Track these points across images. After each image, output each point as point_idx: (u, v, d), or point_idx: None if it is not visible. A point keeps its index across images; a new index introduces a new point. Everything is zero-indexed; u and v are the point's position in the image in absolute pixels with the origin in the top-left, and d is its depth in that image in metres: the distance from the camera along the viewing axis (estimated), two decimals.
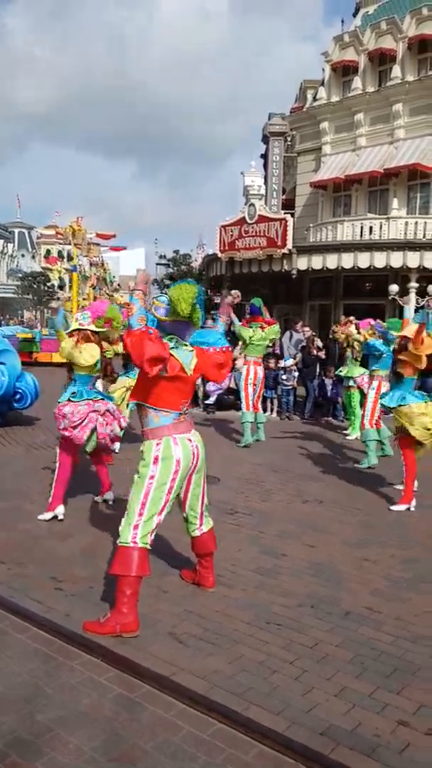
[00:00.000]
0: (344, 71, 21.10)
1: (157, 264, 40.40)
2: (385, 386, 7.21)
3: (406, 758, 2.47)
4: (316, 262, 15.94)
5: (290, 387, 11.80)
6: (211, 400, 11.77)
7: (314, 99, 21.77)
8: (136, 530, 3.36)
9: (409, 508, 5.90)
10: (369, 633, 3.48)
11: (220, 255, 17.33)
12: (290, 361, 11.74)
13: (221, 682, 2.92)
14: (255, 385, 8.88)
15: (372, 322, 7.63)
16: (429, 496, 6.29)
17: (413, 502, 5.93)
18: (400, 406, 5.83)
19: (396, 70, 19.36)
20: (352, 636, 3.44)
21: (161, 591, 3.90)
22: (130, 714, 2.65)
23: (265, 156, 28.06)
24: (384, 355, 7.22)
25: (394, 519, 5.71)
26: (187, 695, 2.77)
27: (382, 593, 4.04)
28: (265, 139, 27.39)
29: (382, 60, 20.14)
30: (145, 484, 3.42)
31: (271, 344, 9.84)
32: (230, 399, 11.63)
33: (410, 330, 5.92)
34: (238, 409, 9.58)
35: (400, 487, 6.19)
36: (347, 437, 9.85)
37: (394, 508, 5.94)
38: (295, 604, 3.81)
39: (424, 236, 17.31)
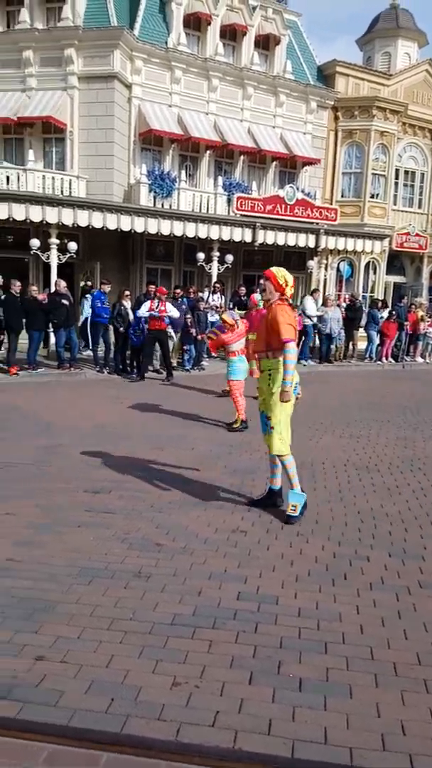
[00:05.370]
0: None
1: None
2: None
3: (43, 689, 2.59)
4: None
5: None
6: None
7: None
8: None
9: None
10: (9, 583, 3.50)
11: None
12: None
13: None
14: None
15: None
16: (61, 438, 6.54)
17: None
18: None
19: (24, 14, 18.58)
20: None
21: None
22: None
23: None
24: None
25: (31, 473, 5.78)
26: None
27: (24, 542, 4.09)
28: None
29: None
30: None
31: None
32: None
33: None
34: None
35: None
36: None
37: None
38: None
39: (61, 192, 17.37)
